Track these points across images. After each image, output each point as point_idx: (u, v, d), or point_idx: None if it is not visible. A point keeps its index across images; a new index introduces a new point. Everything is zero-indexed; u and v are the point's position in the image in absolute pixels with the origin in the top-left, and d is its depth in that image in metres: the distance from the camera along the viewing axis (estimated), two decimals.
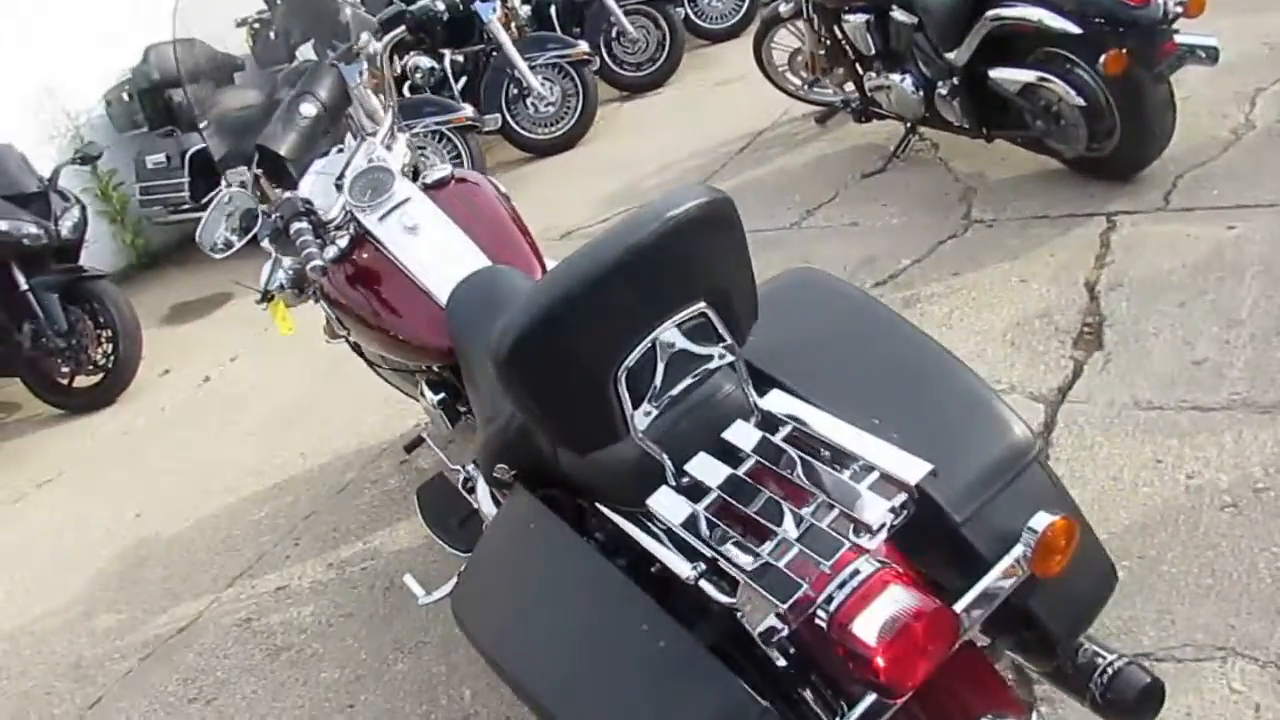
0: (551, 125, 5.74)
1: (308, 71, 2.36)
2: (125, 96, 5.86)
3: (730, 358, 1.28)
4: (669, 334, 1.22)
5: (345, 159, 2.25)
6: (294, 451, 3.41)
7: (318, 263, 1.95)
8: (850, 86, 4.14)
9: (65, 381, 4.44)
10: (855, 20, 3.78)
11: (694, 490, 1.22)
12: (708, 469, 1.23)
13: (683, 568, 1.23)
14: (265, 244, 2.15)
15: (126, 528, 3.36)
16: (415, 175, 2.44)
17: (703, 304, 1.23)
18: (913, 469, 1.12)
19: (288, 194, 2.12)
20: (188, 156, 5.46)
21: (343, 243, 2.12)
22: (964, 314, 2.90)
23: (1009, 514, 1.23)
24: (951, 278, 3.10)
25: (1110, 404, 2.36)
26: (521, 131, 5.74)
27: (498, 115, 5.62)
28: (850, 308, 1.54)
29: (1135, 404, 2.34)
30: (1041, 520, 1.18)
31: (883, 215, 3.65)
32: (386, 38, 2.33)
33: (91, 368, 4.41)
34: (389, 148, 2.28)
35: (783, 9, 4.24)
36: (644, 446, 1.23)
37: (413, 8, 2.13)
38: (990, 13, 3.16)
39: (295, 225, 2.03)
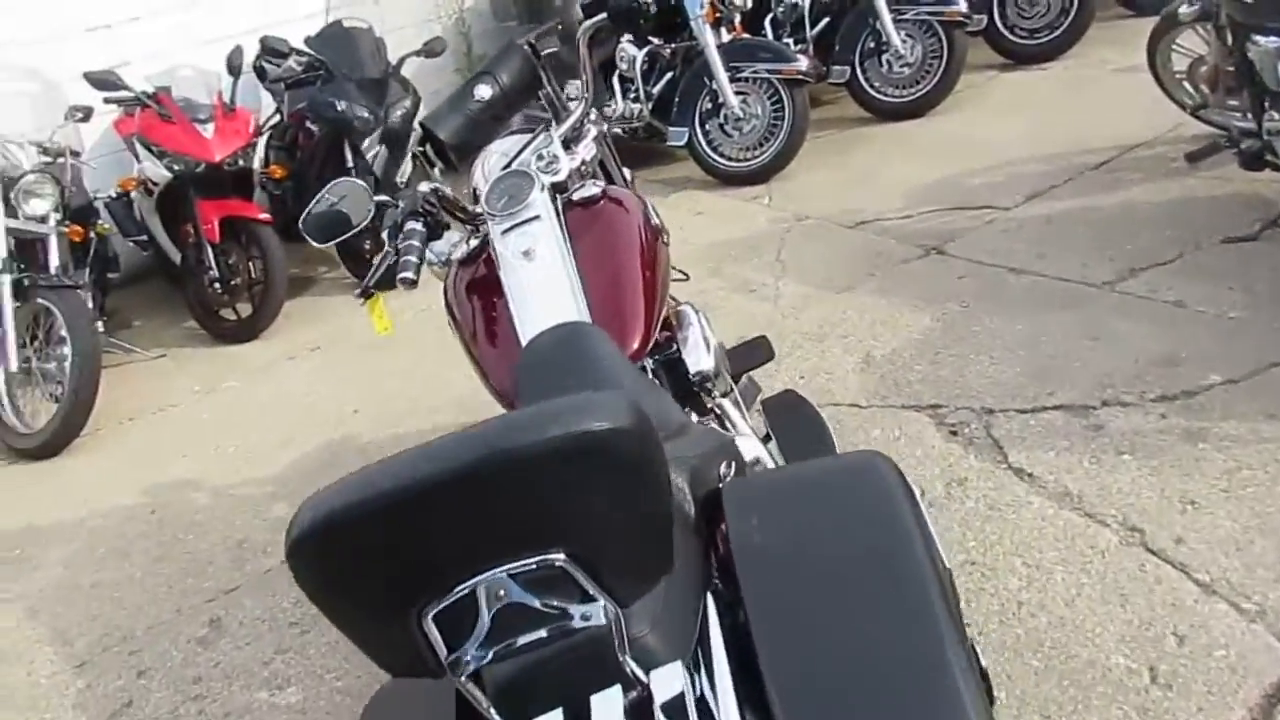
0: (904, 88, 5.15)
1: (498, 50, 2.20)
2: None
3: (601, 620, 0.96)
4: (499, 580, 0.93)
5: (521, 146, 2.07)
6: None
7: (407, 274, 1.81)
8: (1249, 121, 3.23)
9: (367, 256, 4.81)
10: (1266, 45, 2.89)
11: None
12: None
13: None
14: (384, 236, 2.04)
15: (341, 421, 3.59)
16: (605, 175, 2.21)
17: (560, 555, 0.93)
18: None
19: (421, 186, 1.98)
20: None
21: (474, 243, 1.97)
22: (1253, 480, 2.18)
23: None
24: (1263, 421, 2.34)
25: None
26: (869, 90, 5.21)
27: (847, 68, 5.15)
28: (885, 538, 1.13)
29: None
30: None
31: (1220, 302, 2.85)
32: (586, 24, 2.09)
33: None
34: (570, 143, 2.06)
35: (1183, 10, 3.37)
36: (464, 691, 0.98)
37: None
38: None
39: (409, 224, 1.89)
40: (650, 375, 1.83)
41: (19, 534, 3.33)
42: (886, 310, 3.33)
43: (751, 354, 2.26)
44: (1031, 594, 2.05)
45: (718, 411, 2.05)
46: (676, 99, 4.90)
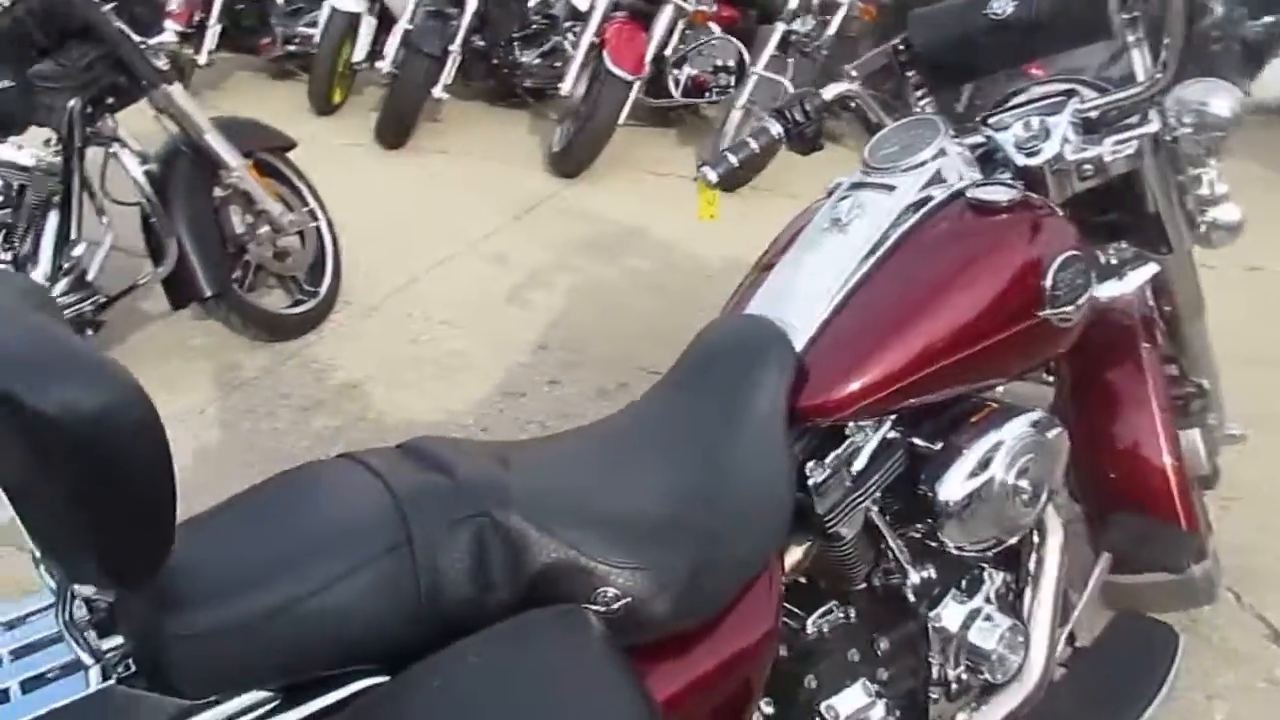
0: None
1: None
2: None
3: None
4: None
5: (1031, 100, 1.49)
6: None
7: (707, 170, 1.47)
8: None
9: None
10: None
11: None
12: None
13: None
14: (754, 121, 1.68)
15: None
16: (1107, 187, 1.50)
17: None
18: None
19: (832, 87, 1.55)
20: None
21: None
22: None
23: None
24: None
25: None
26: None
27: None
28: None
29: None
30: None
31: None
32: None
33: None
34: (1095, 128, 1.42)
35: None
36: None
37: None
38: None
39: (766, 122, 1.53)
40: (859, 452, 1.27)
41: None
42: None
43: None
44: None
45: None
46: None
